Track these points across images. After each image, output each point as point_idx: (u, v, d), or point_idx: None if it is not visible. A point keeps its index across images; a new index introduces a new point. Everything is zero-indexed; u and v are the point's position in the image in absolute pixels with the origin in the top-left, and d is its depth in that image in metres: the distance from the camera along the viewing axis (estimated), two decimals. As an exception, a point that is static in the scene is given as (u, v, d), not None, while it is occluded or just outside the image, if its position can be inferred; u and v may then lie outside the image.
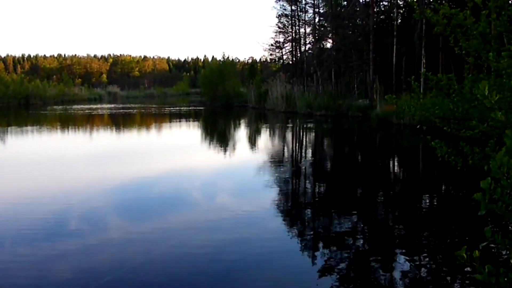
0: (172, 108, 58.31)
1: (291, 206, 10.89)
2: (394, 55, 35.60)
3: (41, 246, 7.67)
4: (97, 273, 6.52)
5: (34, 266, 6.86)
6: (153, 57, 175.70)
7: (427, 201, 11.51)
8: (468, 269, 6.15)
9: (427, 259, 7.23)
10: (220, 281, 6.26)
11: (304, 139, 25.78)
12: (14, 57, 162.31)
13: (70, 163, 16.78)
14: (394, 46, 35.48)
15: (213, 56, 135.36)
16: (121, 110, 56.52)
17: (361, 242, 8.10)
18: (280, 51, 56.19)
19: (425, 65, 31.75)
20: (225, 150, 20.31)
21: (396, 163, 17.57)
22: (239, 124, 37.04)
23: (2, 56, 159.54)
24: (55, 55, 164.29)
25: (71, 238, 8.08)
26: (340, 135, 27.58)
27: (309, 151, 20.94)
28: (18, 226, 8.82)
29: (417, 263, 7.04)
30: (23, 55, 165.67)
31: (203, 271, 6.60)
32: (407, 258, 7.18)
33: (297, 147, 22.20)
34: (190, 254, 7.28)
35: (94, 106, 65.66)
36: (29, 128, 33.45)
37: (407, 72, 34.15)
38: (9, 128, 32.93)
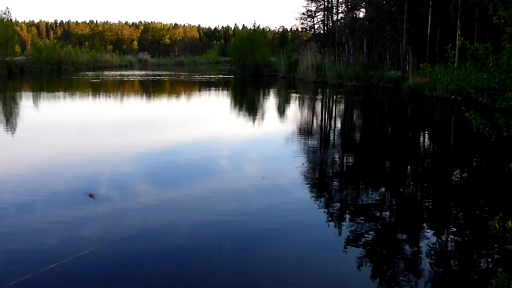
0: (201, 76, 58.33)
1: (318, 177, 10.83)
2: (428, 25, 34.77)
3: (70, 209, 7.81)
4: (121, 232, 6.64)
5: (63, 228, 7.00)
6: (184, 24, 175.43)
7: (459, 174, 11.34)
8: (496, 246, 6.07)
9: (456, 232, 7.14)
10: (244, 248, 6.29)
11: (334, 110, 25.55)
12: (47, 23, 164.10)
13: (100, 130, 17.00)
14: (429, 17, 34.62)
15: (243, 25, 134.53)
16: (151, 77, 56.83)
17: (388, 214, 8.02)
18: (312, 20, 55.40)
19: (460, 37, 30.94)
20: (253, 120, 20.29)
21: (427, 136, 17.31)
22: (268, 93, 36.89)
23: (35, 21, 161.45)
24: (87, 22, 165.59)
25: (99, 203, 8.20)
26: (370, 106, 27.26)
27: (338, 122, 20.76)
28: (49, 190, 8.98)
29: (446, 236, 6.96)
30: (55, 21, 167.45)
31: (227, 238, 6.62)
32: (435, 231, 7.09)
33: (326, 118, 22.03)
34: (214, 220, 7.30)
35: (125, 73, 66.15)
36: (61, 93, 33.95)
37: (441, 44, 33.38)
38: (41, 93, 33.45)
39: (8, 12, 61.66)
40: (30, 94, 33.55)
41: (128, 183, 9.57)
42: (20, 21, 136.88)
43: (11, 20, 63.32)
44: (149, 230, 6.85)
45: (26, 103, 26.30)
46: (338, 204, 8.45)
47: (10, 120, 19.55)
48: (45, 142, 14.01)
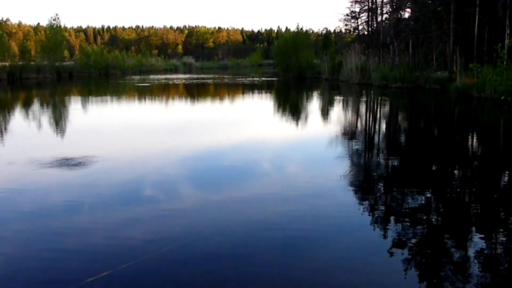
0: (245, 79, 58.64)
1: (363, 180, 10.71)
2: (476, 25, 33.90)
3: (116, 211, 7.99)
4: (168, 238, 6.75)
5: (109, 228, 7.15)
6: (227, 28, 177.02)
7: (507, 177, 11.03)
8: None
9: (505, 236, 6.94)
10: (288, 252, 6.27)
11: (379, 112, 25.24)
12: (94, 28, 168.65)
13: (146, 132, 17.34)
14: (477, 16, 33.75)
15: (286, 27, 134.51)
16: (196, 81, 57.54)
17: (435, 218, 7.86)
18: (356, 21, 55.00)
19: (509, 36, 30.03)
20: (297, 122, 20.27)
21: (475, 138, 16.88)
22: (312, 95, 36.76)
23: (83, 27, 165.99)
24: (133, 27, 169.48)
25: (145, 204, 8.35)
26: (416, 108, 26.78)
27: (384, 125, 20.49)
28: (96, 191, 9.19)
29: (493, 241, 6.79)
30: (102, 26, 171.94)
31: (271, 241, 6.62)
32: (482, 236, 6.91)
33: (371, 120, 21.79)
34: (258, 223, 7.33)
35: (170, 76, 67.25)
36: (108, 97, 34.79)
37: (490, 44, 32.52)
38: (89, 97, 34.33)
39: (58, 18, 63.67)
40: (78, 98, 34.50)
41: (172, 186, 9.71)
42: (68, 27, 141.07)
43: (60, 26, 65.40)
44: (196, 234, 6.95)
45: (76, 107, 27.08)
46: (383, 208, 8.34)
47: (60, 123, 20.16)
48: (89, 145, 14.31)
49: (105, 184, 9.78)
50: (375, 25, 51.39)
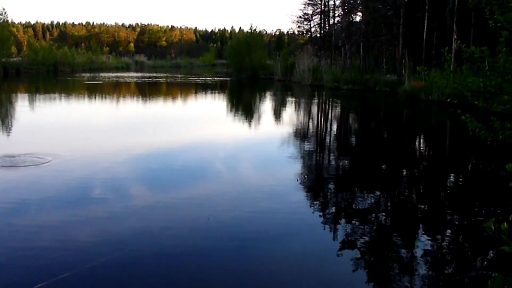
0: (198, 79, 58.35)
1: (314, 181, 10.80)
2: (425, 30, 34.87)
3: (64, 212, 7.74)
4: (119, 240, 6.64)
5: (57, 230, 6.93)
6: (181, 27, 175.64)
7: (454, 177, 11.38)
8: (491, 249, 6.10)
9: (452, 234, 7.13)
10: (240, 254, 6.26)
11: (330, 113, 25.61)
12: (43, 24, 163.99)
13: (95, 131, 16.95)
14: (426, 21, 34.73)
15: (240, 28, 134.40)
16: (148, 79, 56.84)
17: (383, 218, 8.00)
18: (308, 23, 55.59)
19: (457, 41, 31.01)
20: (249, 123, 20.31)
21: (422, 140, 17.35)
22: (265, 96, 36.93)
23: (32, 22, 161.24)
24: (84, 23, 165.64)
25: (94, 205, 8.15)
26: (366, 110, 27.33)
27: (335, 126, 20.80)
28: (43, 192, 8.93)
29: (441, 238, 6.96)
30: (52, 22, 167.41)
31: (222, 243, 6.58)
32: (430, 234, 7.08)
33: (322, 121, 22.08)
34: (209, 225, 7.25)
35: (121, 75, 66.19)
36: (56, 95, 33.90)
37: (438, 48, 33.46)
38: (37, 95, 33.38)
39: (5, 13, 61.52)
40: (26, 95, 33.49)
41: (122, 186, 9.51)
42: (16, 22, 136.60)
43: (7, 21, 63.16)
44: (146, 234, 6.86)
45: (22, 104, 26.27)
46: (333, 208, 8.45)
47: (6, 120, 19.52)
48: (37, 143, 13.89)
49: (52, 183, 9.49)
50: (327, 27, 52.10)
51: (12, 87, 42.22)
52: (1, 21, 61.16)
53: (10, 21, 66.55)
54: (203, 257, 6.09)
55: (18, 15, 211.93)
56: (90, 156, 12.14)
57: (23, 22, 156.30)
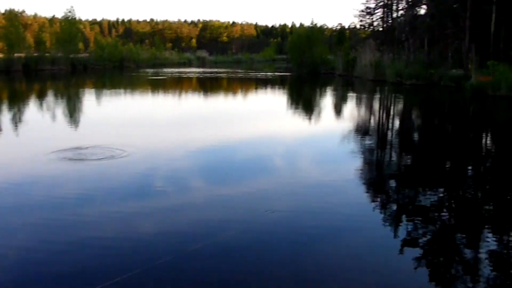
0: (258, 74, 58.57)
1: (375, 178, 10.63)
2: (492, 23, 33.53)
3: (127, 204, 7.98)
4: (179, 232, 6.78)
5: (120, 221, 7.15)
6: (242, 22, 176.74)
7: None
8: None
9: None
10: (297, 249, 6.24)
11: (392, 109, 25.08)
12: (109, 21, 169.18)
13: (160, 126, 17.36)
14: (493, 14, 33.39)
15: (301, 23, 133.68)
16: (209, 75, 57.58)
17: (447, 217, 7.78)
18: (371, 17, 54.52)
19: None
20: (309, 118, 20.19)
21: (490, 136, 16.71)
22: (325, 91, 36.63)
23: (98, 19, 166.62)
24: (148, 20, 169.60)
25: (156, 197, 8.37)
26: (430, 105, 26.60)
27: (397, 121, 20.36)
28: (107, 185, 9.21)
29: (507, 238, 6.70)
30: (117, 19, 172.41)
31: (280, 237, 6.60)
32: (496, 233, 6.81)
33: (384, 117, 21.66)
34: (267, 219, 7.28)
35: (183, 70, 67.41)
36: (122, 90, 34.94)
37: (506, 42, 32.17)
38: (104, 90, 34.46)
39: (73, 10, 64.02)
40: (93, 90, 34.71)
41: (183, 179, 9.70)
42: (83, 19, 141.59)
43: (75, 18, 65.71)
44: (204, 227, 6.97)
45: (90, 99, 27.25)
46: (395, 206, 8.28)
47: (75, 115, 20.28)
48: (101, 137, 14.31)
49: (118, 175, 9.79)
50: (390, 21, 51.02)
51: (80, 82, 43.87)
52: (69, 18, 63.71)
53: (77, 18, 69.08)
54: (262, 251, 6.14)
55: (85, 13, 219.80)
56: (157, 150, 12.42)
57: (90, 19, 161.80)
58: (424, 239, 6.65)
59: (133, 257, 5.80)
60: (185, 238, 6.46)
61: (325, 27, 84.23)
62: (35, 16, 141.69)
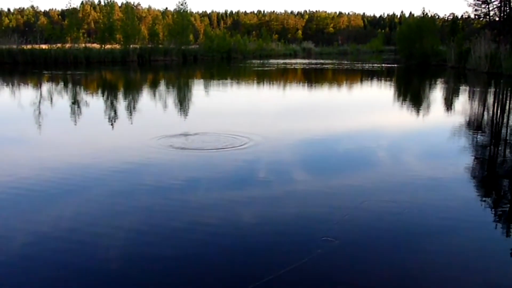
0: (364, 65, 57.60)
1: (486, 176, 10.15)
2: None
3: (230, 192, 8.25)
4: (279, 222, 6.96)
5: (224, 209, 7.40)
6: (348, 13, 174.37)
7: None
8: None
9: None
10: (400, 245, 6.22)
11: (508, 103, 23.67)
12: (218, 13, 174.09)
13: (263, 115, 17.76)
14: None
15: (410, 12, 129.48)
16: (314, 66, 57.49)
17: None
18: (487, 6, 51.55)
19: None
20: (417, 111, 19.63)
21: None
22: (435, 84, 35.26)
23: (208, 12, 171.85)
24: (255, 12, 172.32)
25: (257, 187, 8.59)
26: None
27: (513, 117, 19.23)
28: (209, 173, 9.52)
29: None
30: (226, 11, 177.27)
31: (386, 231, 6.58)
32: None
33: (499, 112, 20.51)
34: (372, 212, 7.26)
35: (289, 61, 67.81)
36: (230, 80, 35.88)
37: None
38: (212, 81, 35.57)
39: (185, 3, 66.42)
40: (202, 81, 35.96)
41: (285, 169, 9.87)
42: (194, 12, 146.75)
43: (186, 11, 68.23)
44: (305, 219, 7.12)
45: (198, 88, 28.31)
46: (507, 206, 7.92)
47: (185, 103, 21.22)
48: (206, 126, 14.83)
49: (219, 165, 10.18)
50: (508, 10, 47.94)
51: (190, 72, 45.64)
52: (181, 11, 66.29)
53: (189, 11, 71.57)
54: (360, 246, 6.17)
55: (196, 5, 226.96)
56: (262, 139, 12.52)
57: (200, 11, 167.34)
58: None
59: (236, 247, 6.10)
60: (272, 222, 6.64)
61: (436, 16, 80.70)
62: (149, 9, 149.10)
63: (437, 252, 5.96)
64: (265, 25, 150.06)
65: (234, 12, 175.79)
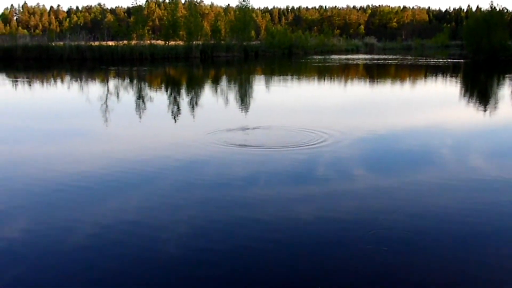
0: (429, 61, 56.22)
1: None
2: None
3: (287, 188, 8.31)
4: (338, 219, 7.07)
5: (281, 206, 7.43)
6: (413, 7, 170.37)
7: None
8: None
9: None
10: (454, 245, 6.10)
11: None
12: (279, 9, 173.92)
13: (323, 111, 17.79)
14: None
15: (477, 6, 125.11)
16: (377, 61, 56.64)
17: None
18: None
19: None
20: (484, 108, 19.04)
21: None
22: (504, 79, 34.01)
23: (269, 8, 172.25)
24: (317, 7, 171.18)
25: (315, 183, 8.62)
26: None
27: None
28: (267, 170, 9.52)
29: None
30: (287, 7, 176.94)
31: (443, 233, 6.51)
32: None
33: None
34: (428, 213, 7.20)
35: (351, 57, 67.10)
36: (291, 76, 35.95)
37: None
38: (272, 77, 35.70)
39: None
40: (263, 76, 36.22)
41: (345, 166, 9.91)
42: (255, 8, 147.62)
43: (248, 7, 68.82)
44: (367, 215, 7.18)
45: (260, 83, 28.58)
46: None
47: (246, 98, 21.51)
48: (269, 121, 15.01)
49: (274, 162, 10.28)
50: None
51: (252, 68, 46.02)
52: (243, 7, 66.99)
53: (250, 7, 72.11)
54: (427, 242, 6.17)
55: (257, 1, 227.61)
56: (320, 134, 12.50)
57: (262, 7, 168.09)
58: None
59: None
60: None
61: (505, 10, 77.81)
62: (211, 5, 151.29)
63: (494, 255, 5.79)
64: (327, 20, 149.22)
65: (295, 8, 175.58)
